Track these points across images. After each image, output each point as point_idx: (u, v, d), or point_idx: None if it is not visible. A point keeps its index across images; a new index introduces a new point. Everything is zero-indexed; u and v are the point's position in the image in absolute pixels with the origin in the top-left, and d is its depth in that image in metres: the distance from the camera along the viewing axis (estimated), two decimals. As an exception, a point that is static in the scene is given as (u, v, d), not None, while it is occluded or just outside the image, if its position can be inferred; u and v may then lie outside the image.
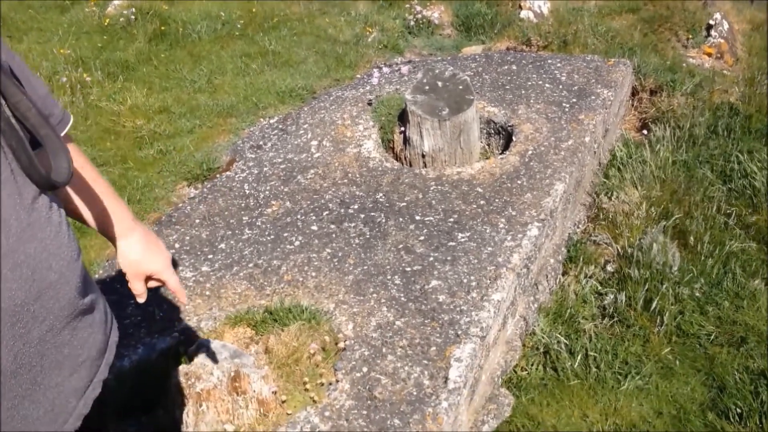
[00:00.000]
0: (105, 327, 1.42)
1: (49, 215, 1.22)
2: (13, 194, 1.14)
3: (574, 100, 4.16)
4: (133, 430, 2.39)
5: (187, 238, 3.34)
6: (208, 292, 2.97)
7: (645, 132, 4.53)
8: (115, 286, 3.11)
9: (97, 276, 3.22)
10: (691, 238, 3.55)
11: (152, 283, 1.63)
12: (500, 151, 3.98)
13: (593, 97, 4.18)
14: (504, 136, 4.00)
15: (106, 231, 1.54)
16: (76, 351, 1.30)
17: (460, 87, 3.76)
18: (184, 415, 2.38)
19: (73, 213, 1.49)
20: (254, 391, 2.40)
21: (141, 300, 1.60)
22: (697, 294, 3.30)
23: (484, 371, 2.83)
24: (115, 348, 1.47)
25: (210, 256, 3.20)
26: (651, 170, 3.99)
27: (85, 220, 1.51)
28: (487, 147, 4.09)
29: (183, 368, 2.42)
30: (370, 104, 4.25)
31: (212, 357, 2.42)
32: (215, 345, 2.50)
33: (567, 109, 4.07)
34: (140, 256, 1.55)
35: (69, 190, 1.44)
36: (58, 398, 1.27)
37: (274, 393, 2.43)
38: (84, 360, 1.33)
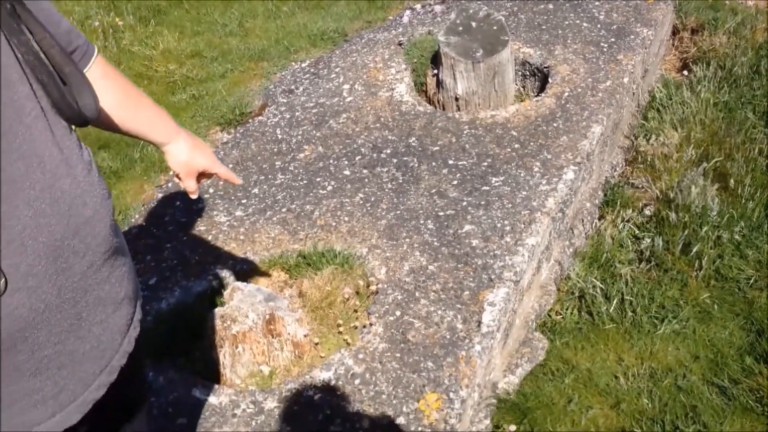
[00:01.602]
0: (133, 269, 1.45)
1: (80, 152, 1.22)
2: (46, 130, 1.14)
3: (613, 39, 4.05)
4: (170, 372, 2.43)
5: (221, 183, 3.34)
6: (242, 237, 2.99)
7: (685, 72, 4.40)
8: (152, 230, 3.14)
9: (133, 221, 3.25)
10: (732, 180, 3.47)
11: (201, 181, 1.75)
12: (536, 94, 3.90)
13: (632, 37, 4.06)
14: (540, 78, 3.92)
15: (154, 138, 1.61)
16: (116, 288, 1.32)
17: (495, 27, 3.67)
18: (221, 357, 2.42)
19: (118, 128, 1.52)
20: (289, 333, 2.42)
21: (193, 196, 1.73)
22: (737, 237, 3.23)
23: (517, 315, 2.82)
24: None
25: (244, 201, 3.20)
26: (691, 112, 3.88)
27: (131, 131, 1.56)
28: (522, 89, 4.01)
29: (219, 311, 2.45)
30: (401, 45, 4.18)
31: (247, 300, 2.44)
32: (250, 288, 2.52)
33: (605, 50, 3.96)
34: (189, 155, 1.65)
35: (114, 106, 1.46)
36: (104, 334, 1.29)
37: (306, 336, 2.45)
38: (123, 298, 1.35)
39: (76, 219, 1.18)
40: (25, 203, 1.09)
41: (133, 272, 1.42)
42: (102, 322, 1.28)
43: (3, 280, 1.07)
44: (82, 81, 1.22)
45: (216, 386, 2.37)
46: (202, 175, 1.73)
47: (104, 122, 1.48)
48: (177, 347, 2.52)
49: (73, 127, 1.24)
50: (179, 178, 1.70)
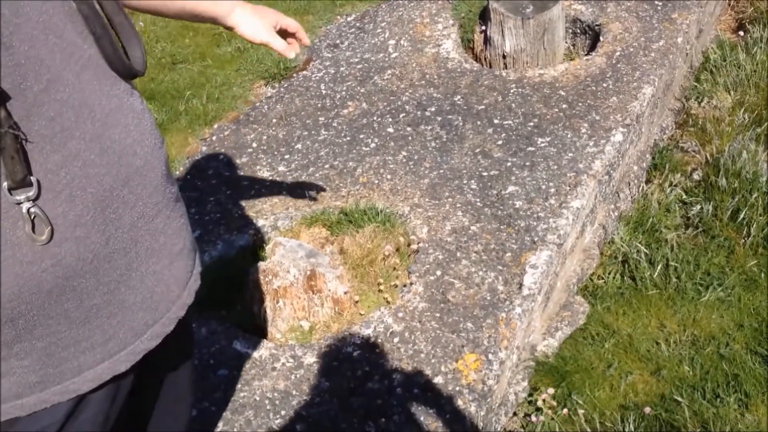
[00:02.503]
0: (190, 222, 1.44)
1: (131, 102, 1.20)
2: (95, 79, 1.13)
3: (668, -3, 3.92)
4: (212, 323, 2.47)
5: (264, 137, 3.35)
6: (284, 192, 3.00)
7: (741, 33, 4.25)
8: (196, 182, 3.17)
9: (177, 173, 3.28)
10: (786, 146, 3.37)
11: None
12: (586, 52, 3.81)
13: (688, -5, 3.93)
14: (591, 36, 3.82)
15: (218, 14, 1.61)
16: (172, 240, 1.31)
17: (546, -17, 3.58)
18: (262, 311, 2.44)
19: (176, 13, 1.53)
20: (329, 290, 2.43)
21: (291, 53, 1.73)
22: (789, 205, 3.15)
23: (559, 278, 2.80)
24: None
25: (287, 156, 3.21)
26: (746, 74, 3.76)
27: (191, 12, 1.56)
28: (572, 47, 3.92)
29: (261, 265, 2.47)
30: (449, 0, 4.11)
31: (288, 256, 2.46)
32: (291, 244, 2.53)
33: (659, 8, 3.84)
34: (256, 16, 1.66)
35: None
36: (158, 286, 1.28)
37: (346, 293, 2.46)
38: (182, 249, 1.34)
39: (126, 169, 1.17)
40: (74, 153, 1.09)
41: (189, 225, 1.41)
42: (156, 273, 1.27)
43: (50, 228, 1.07)
44: (131, 32, 1.21)
45: (257, 339, 2.40)
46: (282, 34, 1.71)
47: (156, 8, 1.48)
48: (219, 300, 2.55)
49: None
50: (265, 44, 1.68)
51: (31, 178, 1.04)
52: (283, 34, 1.76)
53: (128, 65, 1.19)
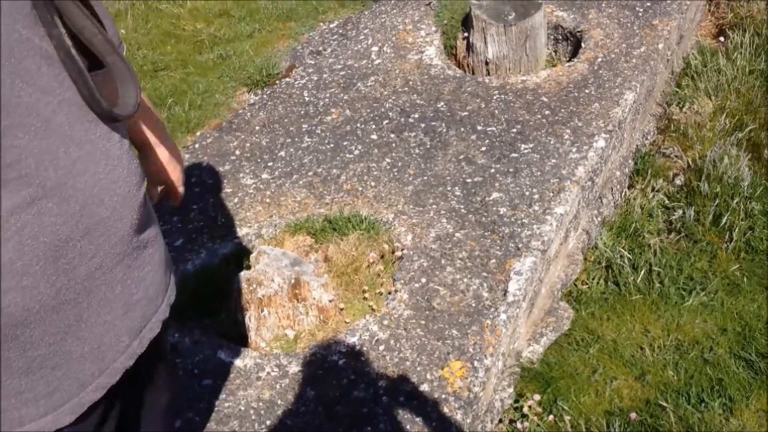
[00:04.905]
0: (165, 265, 1.38)
1: (106, 148, 1.15)
2: (65, 125, 1.08)
3: (648, 4, 3.95)
4: (196, 333, 2.45)
5: (248, 145, 3.33)
6: (268, 200, 2.98)
7: (721, 39, 4.29)
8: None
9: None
10: (765, 151, 3.40)
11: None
12: (568, 59, 3.83)
13: (669, 2, 3.96)
14: (572, 43, 3.84)
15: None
16: (130, 290, 1.25)
17: (528, -10, 3.60)
18: (247, 320, 2.43)
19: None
20: (314, 298, 2.42)
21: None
22: (770, 210, 3.18)
23: (544, 284, 2.80)
24: (175, 288, 1.44)
25: (270, 164, 3.19)
26: (726, 79, 3.80)
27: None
28: (554, 54, 3.94)
29: (244, 274, 2.45)
30: (429, 5, 4.11)
31: (273, 264, 2.45)
32: (276, 252, 2.52)
33: (640, 14, 3.87)
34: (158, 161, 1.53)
35: None
36: (107, 336, 1.23)
37: (331, 301, 2.45)
38: (139, 299, 1.28)
39: (87, 219, 1.12)
40: (28, 201, 1.04)
41: (162, 267, 1.35)
42: (107, 323, 1.22)
43: None
44: (126, 73, 1.18)
45: (241, 349, 2.39)
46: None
47: None
48: (203, 309, 2.54)
49: None
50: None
51: None
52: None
53: (106, 110, 1.13)
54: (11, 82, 1.00)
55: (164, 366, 1.58)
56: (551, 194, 2.84)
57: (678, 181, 3.37)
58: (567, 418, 2.48)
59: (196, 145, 3.46)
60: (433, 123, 3.28)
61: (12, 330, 1.09)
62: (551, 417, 2.48)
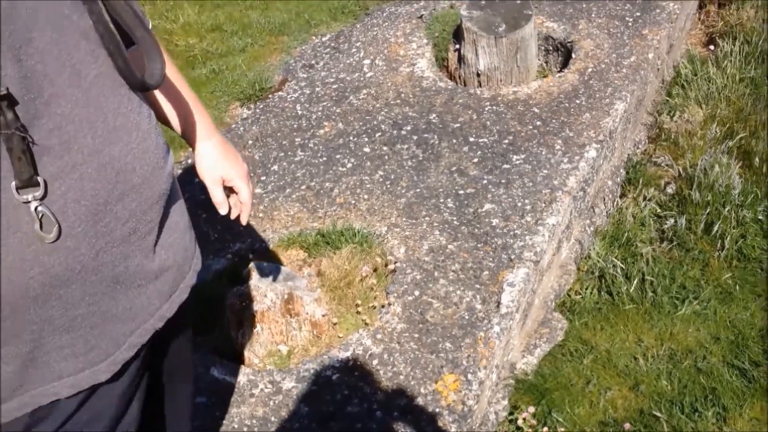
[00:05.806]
0: (190, 233, 1.46)
1: (137, 121, 1.23)
2: (102, 96, 1.16)
3: (638, 13, 3.97)
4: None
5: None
6: (261, 214, 2.99)
7: (711, 47, 4.31)
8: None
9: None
10: (756, 159, 3.41)
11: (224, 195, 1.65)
12: (558, 69, 3.85)
13: (658, 11, 3.98)
14: (563, 53, 3.86)
15: (187, 134, 1.57)
16: (161, 257, 1.33)
17: (518, 1, 3.62)
18: (239, 336, 2.43)
19: (157, 115, 1.50)
20: (307, 313, 2.43)
21: (222, 210, 1.62)
22: (761, 217, 3.19)
23: (537, 295, 2.81)
24: (200, 256, 1.52)
25: (263, 178, 3.20)
26: (716, 88, 3.81)
27: (169, 121, 1.54)
28: (544, 64, 3.96)
29: (237, 290, 2.45)
30: (420, 18, 4.13)
31: (265, 279, 2.45)
32: (268, 267, 2.53)
33: (630, 24, 3.89)
34: (216, 160, 1.58)
35: (156, 91, 1.46)
36: (139, 298, 1.30)
37: (324, 316, 2.45)
38: (170, 265, 1.36)
39: (122, 185, 1.19)
40: (71, 166, 1.11)
41: (188, 235, 1.43)
42: (140, 287, 1.30)
43: (57, 226, 1.11)
44: (152, 46, 1.24)
45: (234, 365, 2.39)
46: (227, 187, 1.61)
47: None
48: (195, 326, 2.53)
49: None
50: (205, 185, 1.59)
51: (38, 178, 1.07)
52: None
53: (140, 80, 1.22)
54: (56, 54, 1.08)
55: (188, 340, 1.64)
56: (543, 205, 2.85)
57: (669, 190, 3.38)
58: (561, 429, 2.48)
59: (189, 160, 3.46)
60: (426, 135, 3.29)
61: (56, 289, 1.15)
62: (546, 429, 2.48)
